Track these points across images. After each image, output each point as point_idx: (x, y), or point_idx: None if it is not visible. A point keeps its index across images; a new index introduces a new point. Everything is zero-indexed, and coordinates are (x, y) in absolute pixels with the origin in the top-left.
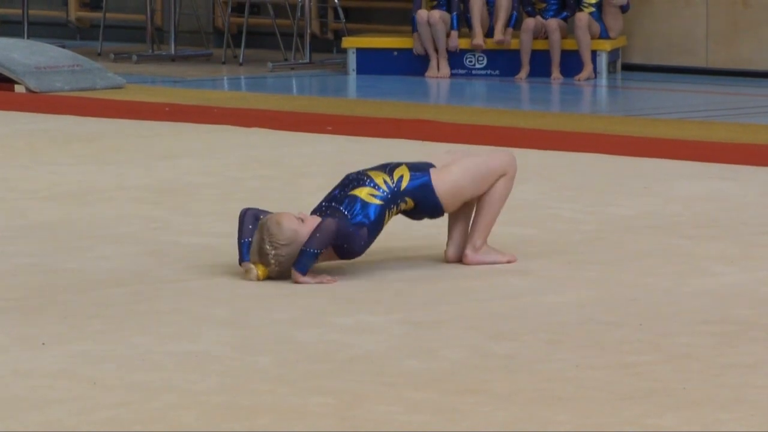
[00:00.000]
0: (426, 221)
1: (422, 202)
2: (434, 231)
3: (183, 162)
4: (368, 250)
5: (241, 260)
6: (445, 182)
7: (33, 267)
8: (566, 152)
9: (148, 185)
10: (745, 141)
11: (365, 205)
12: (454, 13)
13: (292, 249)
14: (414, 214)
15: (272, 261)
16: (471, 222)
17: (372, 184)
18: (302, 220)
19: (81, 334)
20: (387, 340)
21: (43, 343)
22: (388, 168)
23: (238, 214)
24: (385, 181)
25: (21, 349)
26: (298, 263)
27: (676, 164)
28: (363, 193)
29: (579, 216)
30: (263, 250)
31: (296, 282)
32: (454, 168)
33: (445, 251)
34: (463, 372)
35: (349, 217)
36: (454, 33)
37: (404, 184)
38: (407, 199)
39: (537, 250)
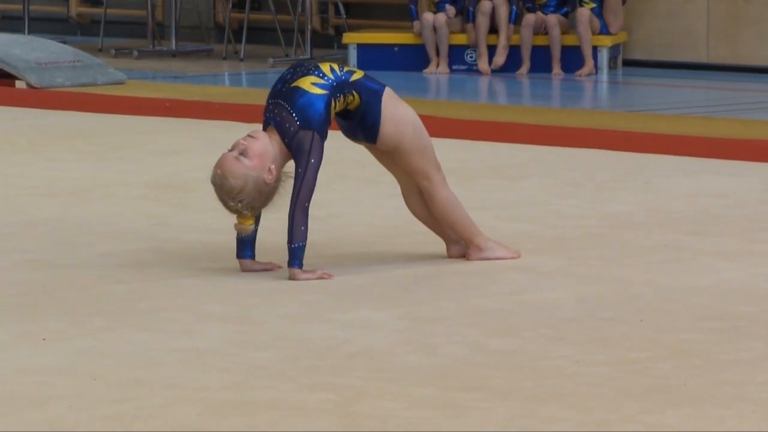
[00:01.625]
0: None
1: (367, 105)
2: None
3: (184, 158)
4: (370, 247)
5: (239, 255)
6: (393, 106)
7: (33, 263)
8: (567, 148)
9: (149, 181)
10: (746, 137)
11: (308, 96)
12: (469, 8)
13: (252, 187)
14: (354, 120)
15: (245, 211)
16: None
17: (317, 73)
18: (243, 154)
19: (81, 331)
20: (388, 336)
21: (44, 339)
22: (343, 65)
23: None
24: (332, 69)
25: (21, 345)
26: (293, 260)
27: (676, 160)
28: (306, 83)
29: (580, 212)
30: (232, 207)
31: (296, 279)
32: (409, 111)
33: (447, 250)
34: (464, 368)
35: (292, 113)
36: (457, 20)
37: (354, 78)
38: (354, 92)
39: (538, 245)
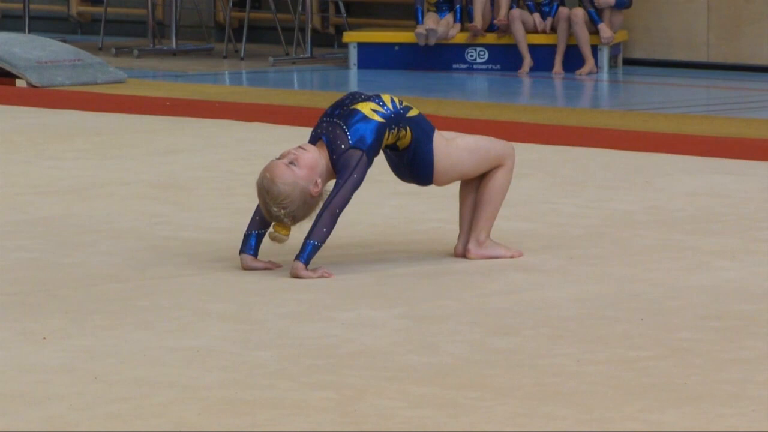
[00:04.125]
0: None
1: (418, 144)
2: (436, 225)
3: (184, 157)
4: (370, 245)
5: (242, 251)
6: (445, 146)
7: (34, 262)
8: (567, 147)
9: (149, 180)
10: (747, 136)
11: (366, 120)
12: (458, 6)
13: (299, 196)
14: (403, 158)
15: (286, 219)
16: (473, 217)
17: (377, 101)
18: (293, 162)
19: (82, 330)
20: (388, 335)
21: (44, 338)
22: (402, 100)
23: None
24: (393, 101)
25: (22, 344)
26: (302, 255)
27: (677, 159)
28: (366, 107)
29: (580, 211)
30: (273, 213)
31: (297, 276)
32: (457, 139)
33: (455, 246)
34: (464, 367)
35: (347, 132)
36: (457, 25)
37: (411, 114)
38: (408, 128)
39: (538, 244)
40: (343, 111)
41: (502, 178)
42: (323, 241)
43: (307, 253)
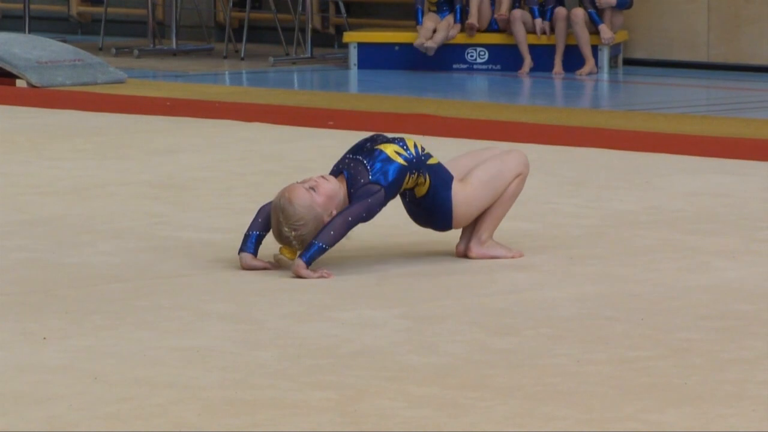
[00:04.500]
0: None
1: (436, 192)
2: None
3: (184, 157)
4: (370, 246)
5: (241, 250)
6: (462, 191)
7: (34, 262)
8: (567, 147)
9: (149, 180)
10: (747, 136)
11: (389, 161)
12: (458, 6)
13: (312, 221)
14: (421, 206)
15: (294, 242)
16: (478, 218)
17: (401, 144)
18: (313, 189)
19: (82, 330)
20: (388, 335)
21: (44, 338)
22: (423, 146)
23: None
24: (416, 146)
25: (22, 344)
26: (306, 254)
27: (677, 159)
28: (389, 149)
29: (580, 211)
30: (283, 233)
31: (298, 275)
32: (470, 178)
33: (457, 245)
34: (464, 367)
35: (369, 169)
36: (457, 25)
37: (431, 162)
38: (427, 175)
39: (538, 244)
40: (366, 149)
41: (515, 184)
42: (330, 245)
43: (311, 252)
